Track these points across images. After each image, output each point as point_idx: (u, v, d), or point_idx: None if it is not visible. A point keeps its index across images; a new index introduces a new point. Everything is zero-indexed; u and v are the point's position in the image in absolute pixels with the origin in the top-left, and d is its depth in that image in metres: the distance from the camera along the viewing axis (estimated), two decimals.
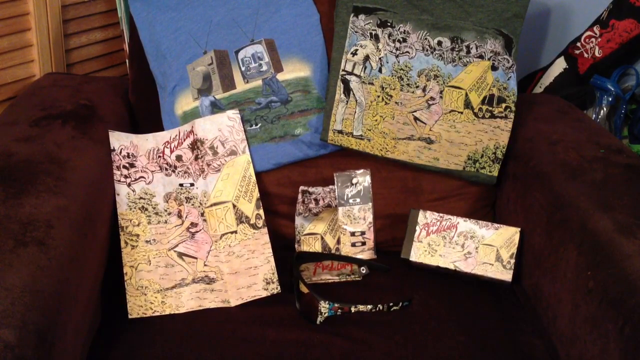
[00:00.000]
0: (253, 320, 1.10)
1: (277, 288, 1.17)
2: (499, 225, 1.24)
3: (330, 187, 1.32)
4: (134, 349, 1.04)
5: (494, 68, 1.30)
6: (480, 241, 1.24)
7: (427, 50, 1.29)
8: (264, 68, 1.30)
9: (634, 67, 1.71)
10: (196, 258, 1.20)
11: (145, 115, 1.38)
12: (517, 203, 1.28)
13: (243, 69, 1.30)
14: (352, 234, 1.31)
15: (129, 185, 1.22)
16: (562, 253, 1.10)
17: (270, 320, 1.10)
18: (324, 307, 1.08)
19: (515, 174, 1.32)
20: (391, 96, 1.29)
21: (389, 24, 1.29)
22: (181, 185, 1.24)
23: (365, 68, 1.29)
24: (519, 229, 1.23)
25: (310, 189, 1.32)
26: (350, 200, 1.31)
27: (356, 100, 1.29)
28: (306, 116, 1.30)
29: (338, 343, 1.05)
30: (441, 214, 1.26)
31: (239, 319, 1.11)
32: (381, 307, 1.13)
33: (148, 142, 1.27)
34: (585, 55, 1.69)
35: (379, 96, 1.29)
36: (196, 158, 1.25)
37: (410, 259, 1.25)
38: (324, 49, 1.32)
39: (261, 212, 1.23)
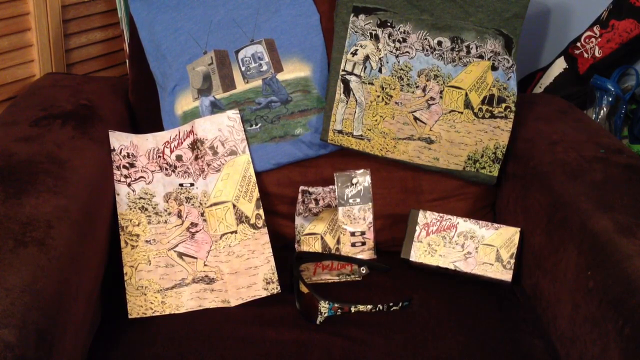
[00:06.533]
0: (253, 320, 1.10)
1: (277, 288, 1.17)
2: (499, 225, 1.24)
3: (330, 187, 1.32)
4: (134, 349, 1.04)
5: (494, 68, 1.30)
6: (480, 241, 1.24)
7: (427, 50, 1.29)
8: (264, 68, 1.30)
9: (634, 67, 1.71)
10: (196, 258, 1.20)
11: (145, 115, 1.38)
12: (517, 203, 1.28)
13: (243, 69, 1.30)
14: (352, 234, 1.31)
15: (129, 185, 1.22)
16: (562, 253, 1.10)
17: (270, 320, 1.10)
18: (324, 307, 1.08)
19: (515, 174, 1.32)
20: (391, 96, 1.29)
21: (389, 24, 1.29)
22: (181, 185, 1.24)
23: (365, 68, 1.29)
24: (519, 229, 1.23)
25: (310, 189, 1.32)
26: (350, 200, 1.31)
27: (356, 100, 1.29)
28: (306, 116, 1.30)
29: (338, 343, 1.05)
30: (441, 214, 1.26)
31: (239, 319, 1.11)
32: (381, 307, 1.13)
33: (148, 142, 1.27)
34: (585, 55, 1.69)
35: (379, 96, 1.29)
36: (196, 158, 1.25)
37: (410, 259, 1.25)
38: (324, 49, 1.32)
39: (261, 212, 1.23)
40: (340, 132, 1.29)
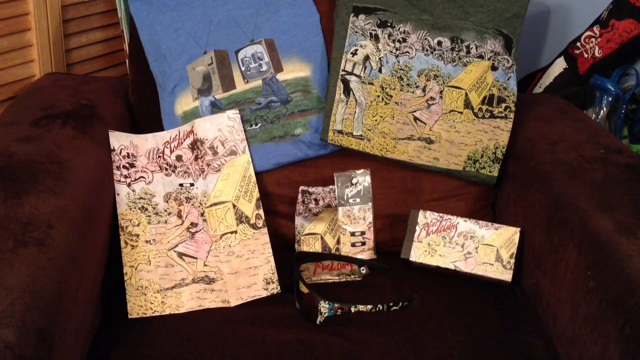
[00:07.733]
0: (253, 320, 1.10)
1: (277, 288, 1.17)
2: (499, 225, 1.24)
3: (330, 187, 1.32)
4: (134, 349, 1.04)
5: (493, 68, 1.30)
6: (480, 241, 1.24)
7: (427, 50, 1.29)
8: (264, 68, 1.30)
9: (634, 67, 1.71)
10: (196, 258, 1.20)
11: (145, 115, 1.38)
12: (517, 203, 1.28)
13: (243, 69, 1.30)
14: (352, 234, 1.31)
15: (129, 185, 1.22)
16: (562, 253, 1.10)
17: (270, 320, 1.10)
18: (324, 307, 1.08)
19: (515, 174, 1.32)
20: (391, 96, 1.29)
21: (388, 24, 1.29)
22: (181, 185, 1.24)
23: (365, 68, 1.29)
24: (519, 229, 1.23)
25: (310, 189, 1.32)
26: (350, 200, 1.31)
27: (356, 100, 1.29)
28: (306, 116, 1.30)
29: (338, 343, 1.05)
30: (441, 214, 1.26)
31: (239, 319, 1.11)
32: (381, 307, 1.13)
33: (148, 142, 1.27)
34: (585, 55, 1.69)
35: (378, 96, 1.29)
36: (196, 158, 1.25)
37: (410, 259, 1.25)
38: (324, 49, 1.32)
39: (261, 212, 1.23)
40: (340, 132, 1.29)
